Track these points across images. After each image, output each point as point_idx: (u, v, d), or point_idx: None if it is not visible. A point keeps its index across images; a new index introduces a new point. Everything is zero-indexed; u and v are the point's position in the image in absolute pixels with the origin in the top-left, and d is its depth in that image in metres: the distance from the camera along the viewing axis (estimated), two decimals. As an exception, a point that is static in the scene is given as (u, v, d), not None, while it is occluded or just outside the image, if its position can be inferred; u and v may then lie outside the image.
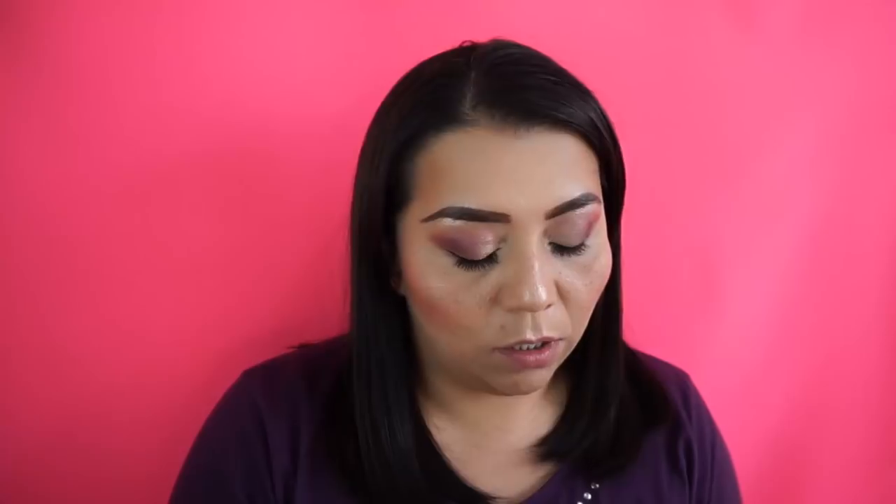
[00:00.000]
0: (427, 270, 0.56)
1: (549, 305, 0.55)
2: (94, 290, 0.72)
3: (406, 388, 0.62)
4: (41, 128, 0.69)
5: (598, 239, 0.59)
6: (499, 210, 0.53)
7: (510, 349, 0.56)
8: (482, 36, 0.62)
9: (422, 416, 0.63)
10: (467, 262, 0.55)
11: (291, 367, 0.66)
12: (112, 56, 0.69)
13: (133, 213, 0.72)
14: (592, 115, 0.58)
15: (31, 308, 0.71)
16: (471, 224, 0.54)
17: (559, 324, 0.57)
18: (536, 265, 0.54)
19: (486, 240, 0.54)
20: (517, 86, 0.56)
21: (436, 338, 0.60)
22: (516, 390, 0.58)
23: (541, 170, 0.55)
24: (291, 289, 0.76)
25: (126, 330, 0.73)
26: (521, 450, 0.64)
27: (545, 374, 0.58)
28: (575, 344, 0.60)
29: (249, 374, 0.65)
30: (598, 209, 0.58)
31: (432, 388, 0.65)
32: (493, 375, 0.58)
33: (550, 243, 0.56)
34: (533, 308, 0.54)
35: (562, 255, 0.57)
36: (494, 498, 0.62)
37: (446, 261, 0.55)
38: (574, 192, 0.55)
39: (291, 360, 0.67)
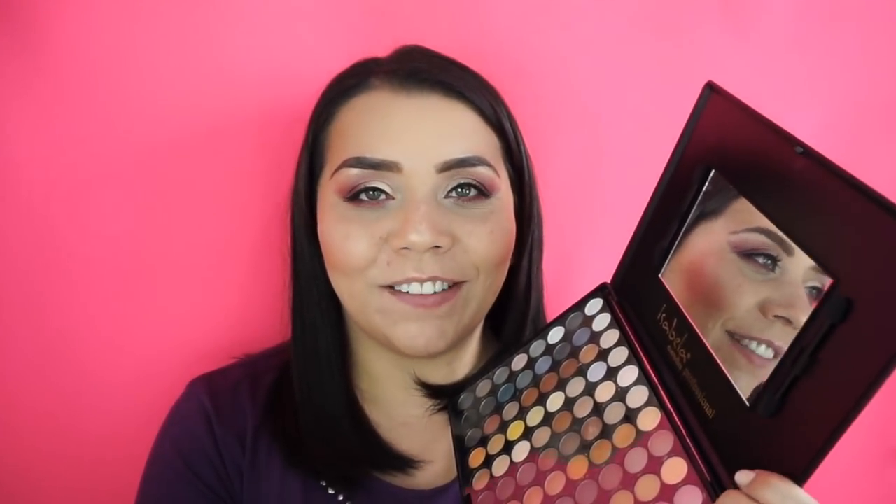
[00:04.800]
0: (330, 219, 0.61)
1: (436, 247, 0.59)
2: (75, 289, 0.74)
3: (340, 369, 0.67)
4: (40, 124, 0.69)
5: (499, 203, 0.63)
6: (391, 159, 0.58)
7: (398, 292, 0.60)
8: (473, 31, 0.72)
9: (355, 394, 0.69)
10: (364, 208, 0.60)
11: (234, 371, 0.70)
12: (113, 53, 0.70)
13: (126, 205, 0.73)
14: (488, 96, 0.64)
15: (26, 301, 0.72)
16: (367, 172, 0.59)
17: (456, 266, 0.61)
18: (423, 208, 0.58)
19: (381, 187, 0.59)
20: (418, 61, 0.63)
21: (339, 290, 0.64)
22: (414, 344, 0.61)
23: (432, 128, 0.60)
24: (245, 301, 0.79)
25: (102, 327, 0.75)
26: (440, 417, 0.68)
27: (444, 327, 0.61)
28: (485, 299, 0.64)
29: (193, 383, 0.69)
30: (492, 175, 0.62)
31: (363, 365, 0.70)
32: (391, 327, 0.61)
33: (446, 197, 0.60)
34: (417, 247, 0.58)
35: (459, 206, 0.61)
36: (423, 461, 0.67)
37: (345, 207, 0.60)
38: (463, 151, 0.60)
39: (234, 366, 0.72)
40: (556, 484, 0.52)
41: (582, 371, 0.57)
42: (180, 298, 0.77)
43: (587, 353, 0.58)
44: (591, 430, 0.53)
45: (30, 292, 0.73)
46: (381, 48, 0.68)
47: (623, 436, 0.51)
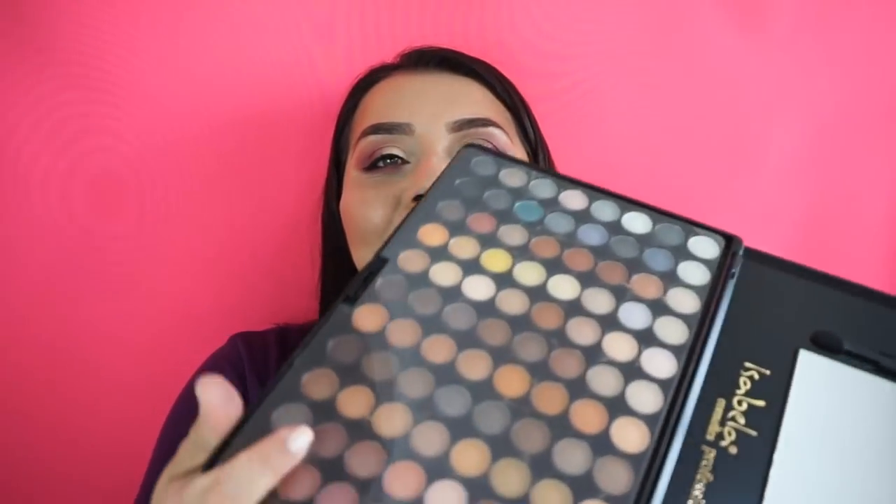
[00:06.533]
0: (349, 192, 0.62)
1: None
2: (97, 281, 0.73)
3: None
4: (42, 123, 0.68)
5: None
6: (402, 120, 0.60)
7: None
8: (472, 29, 0.74)
9: None
10: (379, 174, 0.60)
11: (271, 334, 0.71)
12: (113, 53, 0.68)
13: (130, 207, 0.72)
14: (499, 76, 0.66)
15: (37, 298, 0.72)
16: (382, 137, 0.60)
17: None
18: (434, 159, 0.57)
19: (395, 153, 0.60)
20: (431, 47, 0.68)
21: (358, 261, 0.63)
22: None
23: (443, 94, 0.61)
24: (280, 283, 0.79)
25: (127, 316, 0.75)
26: None
27: None
28: None
29: (235, 335, 0.71)
30: (505, 140, 0.62)
31: None
32: None
33: None
34: None
35: None
36: None
37: (364, 177, 0.61)
38: (474, 113, 0.60)
39: (272, 330, 0.72)
40: (474, 368, 0.37)
41: (619, 294, 0.40)
42: (207, 292, 0.76)
43: (645, 285, 0.41)
44: (560, 365, 0.37)
45: (46, 288, 0.72)
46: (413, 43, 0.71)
47: (583, 415, 0.35)
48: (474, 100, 0.62)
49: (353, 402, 0.36)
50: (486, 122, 0.60)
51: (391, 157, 0.60)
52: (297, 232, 0.77)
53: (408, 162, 0.60)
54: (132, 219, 0.73)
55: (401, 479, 0.33)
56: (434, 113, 0.59)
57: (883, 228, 0.94)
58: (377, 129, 0.60)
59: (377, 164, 0.60)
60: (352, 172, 0.62)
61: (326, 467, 0.34)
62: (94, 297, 0.74)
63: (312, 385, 0.36)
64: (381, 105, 0.62)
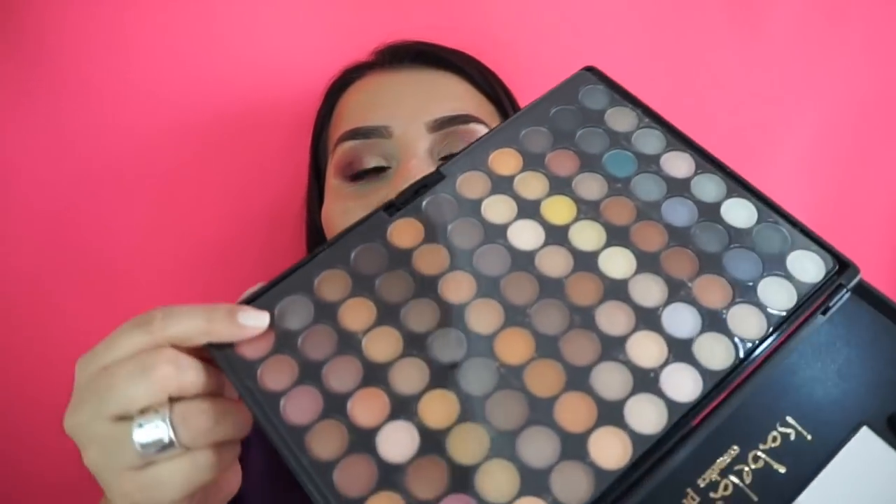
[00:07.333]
0: (330, 201, 0.59)
1: None
2: (95, 282, 0.71)
3: None
4: (39, 123, 0.67)
5: None
6: (381, 124, 0.56)
7: None
8: (473, 25, 0.72)
9: None
10: (360, 183, 0.56)
11: None
12: (110, 51, 0.67)
13: (127, 206, 0.70)
14: (481, 68, 0.63)
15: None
16: (359, 142, 0.57)
17: None
18: (414, 161, 0.54)
19: (373, 156, 0.56)
20: (405, 42, 0.65)
21: None
22: None
23: (421, 92, 0.58)
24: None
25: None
26: None
27: None
28: None
29: None
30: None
31: None
32: None
33: (442, 158, 0.56)
34: None
35: None
36: None
37: (345, 186, 0.57)
38: (455, 110, 0.57)
39: None
40: (483, 319, 0.35)
41: (675, 290, 0.35)
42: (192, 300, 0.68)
43: (710, 289, 0.35)
44: (571, 347, 0.33)
45: (31, 288, 0.70)
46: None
47: (571, 409, 0.32)
48: (454, 95, 0.58)
49: (354, 315, 0.35)
50: (467, 119, 0.56)
51: (372, 167, 0.56)
52: (280, 240, 0.74)
53: (389, 167, 0.57)
54: (118, 221, 0.71)
55: (365, 405, 0.33)
56: (412, 112, 0.56)
57: (892, 228, 0.88)
58: (354, 134, 0.57)
59: (357, 173, 0.57)
60: (332, 181, 0.59)
61: (306, 367, 0.34)
62: (81, 302, 0.72)
63: (326, 285, 0.36)
64: (357, 108, 0.59)
